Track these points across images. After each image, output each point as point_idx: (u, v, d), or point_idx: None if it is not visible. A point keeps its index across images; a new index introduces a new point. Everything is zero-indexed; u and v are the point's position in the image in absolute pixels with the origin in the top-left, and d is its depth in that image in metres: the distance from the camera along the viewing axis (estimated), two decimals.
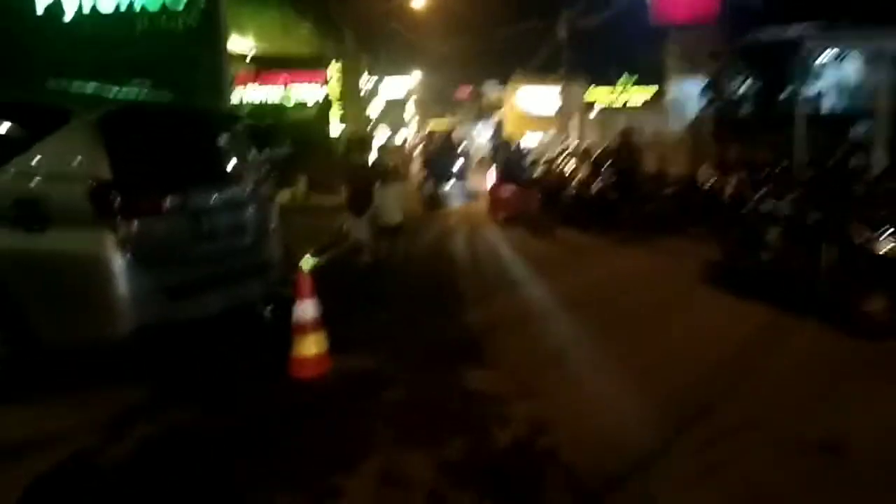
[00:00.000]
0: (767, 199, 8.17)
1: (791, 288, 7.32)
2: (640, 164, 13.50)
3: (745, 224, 8.20)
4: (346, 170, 10.02)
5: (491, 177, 15.91)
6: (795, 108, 15.05)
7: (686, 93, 19.22)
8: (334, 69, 26.08)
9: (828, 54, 14.62)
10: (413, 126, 59.66)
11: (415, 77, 45.78)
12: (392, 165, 26.29)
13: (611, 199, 12.66)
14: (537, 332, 6.77)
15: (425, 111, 59.65)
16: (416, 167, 25.77)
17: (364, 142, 12.92)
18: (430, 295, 8.32)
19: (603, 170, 13.34)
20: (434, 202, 17.16)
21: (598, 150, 14.90)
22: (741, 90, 15.60)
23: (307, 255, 6.06)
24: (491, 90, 43.92)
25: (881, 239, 6.45)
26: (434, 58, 42.81)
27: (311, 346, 5.36)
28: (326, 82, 24.90)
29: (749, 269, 7.91)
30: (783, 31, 13.76)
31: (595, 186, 12.87)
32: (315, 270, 5.86)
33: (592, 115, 28.33)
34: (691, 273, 8.98)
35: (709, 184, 12.75)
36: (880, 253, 6.43)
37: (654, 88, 25.96)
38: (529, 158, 16.57)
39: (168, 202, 5.11)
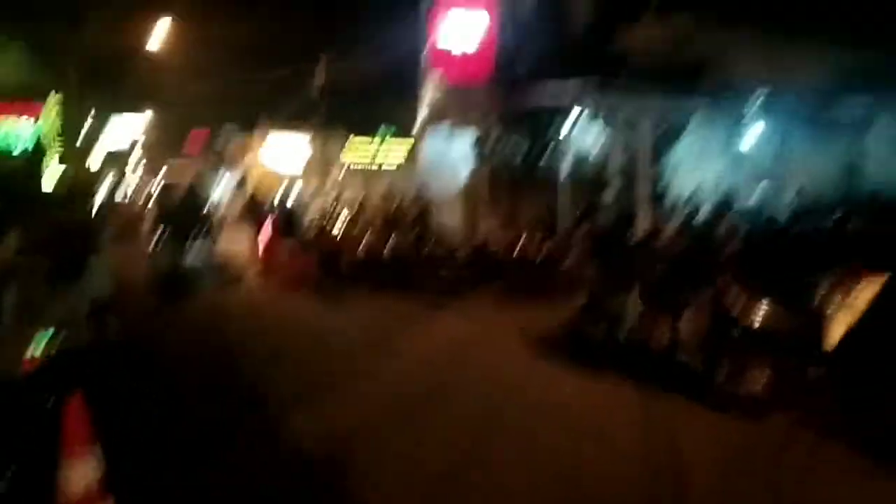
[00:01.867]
0: (613, 264, 7.54)
1: (645, 360, 6.72)
2: (430, 225, 12.63)
3: (593, 290, 7.47)
4: (52, 229, 7.58)
5: (262, 237, 13.89)
6: (559, 169, 15.48)
7: (441, 151, 19.05)
8: (53, 102, 22.02)
9: (589, 117, 15.24)
10: (139, 173, 53.93)
11: (145, 117, 41.08)
12: (119, 224, 21.72)
13: (406, 262, 11.52)
14: (404, 448, 5.24)
15: (154, 156, 54.30)
16: (147, 226, 21.58)
17: (77, 194, 10.33)
18: (231, 401, 6.37)
19: (394, 230, 12.21)
20: (175, 283, 11.77)
21: (389, 209, 13.78)
22: (511, 151, 15.62)
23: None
24: (233, 137, 40.88)
25: (758, 308, 6.01)
26: (169, 98, 38.92)
27: None
28: (43, 119, 20.89)
29: (597, 340, 7.18)
30: (549, 95, 13.96)
31: (389, 248, 11.64)
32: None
33: (343, 170, 27.43)
34: (527, 344, 8.10)
35: (497, 245, 12.25)
36: (757, 324, 5.97)
37: (411, 141, 25.73)
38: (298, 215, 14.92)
39: None
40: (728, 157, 16.30)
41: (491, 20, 15.13)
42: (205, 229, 13.42)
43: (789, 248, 7.53)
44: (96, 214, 9.70)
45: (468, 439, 5.40)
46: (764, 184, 16.07)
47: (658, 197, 14.25)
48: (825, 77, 15.65)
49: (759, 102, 14.95)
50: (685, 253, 7.20)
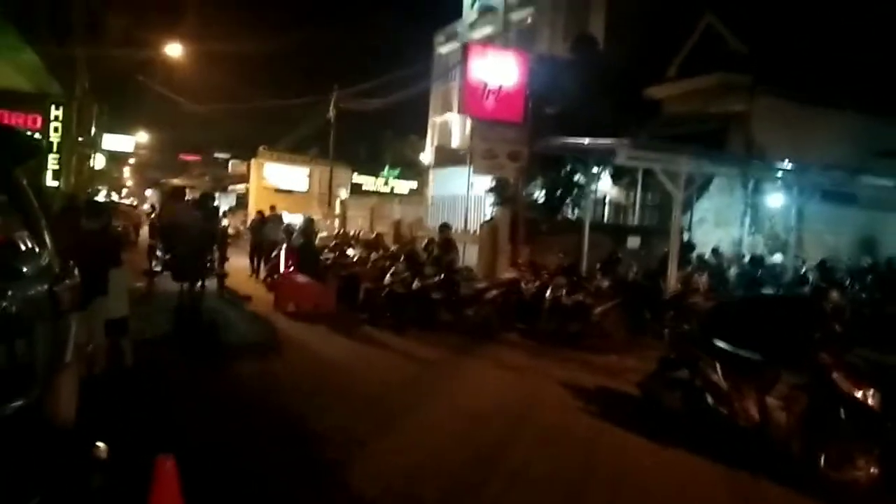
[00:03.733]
0: (691, 327, 6.75)
1: (728, 436, 5.90)
2: (456, 263, 11.81)
3: (670, 356, 6.65)
4: (73, 240, 6.48)
5: (279, 263, 12.90)
6: (584, 215, 14.85)
7: (451, 187, 18.38)
8: (56, 114, 20.92)
9: (616, 166, 14.69)
10: (129, 190, 52.63)
11: (139, 136, 40.01)
12: (122, 230, 19.85)
13: (433, 298, 10.66)
14: None
15: (145, 175, 53.06)
16: (147, 236, 18.34)
17: (98, 204, 9.26)
18: (273, 446, 5.41)
19: (416, 264, 11.35)
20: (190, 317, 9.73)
21: (407, 241, 12.94)
22: (537, 193, 14.98)
23: None
24: (229, 163, 39.97)
25: (868, 388, 5.24)
26: (164, 118, 38.01)
27: None
28: (44, 128, 19.79)
29: (671, 409, 6.34)
30: (584, 141, 13.38)
31: (416, 284, 10.76)
32: None
33: (345, 196, 26.66)
34: (584, 403, 7.23)
35: (528, 288, 11.47)
36: (870, 404, 5.20)
37: (413, 184, 25.25)
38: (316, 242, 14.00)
39: None
40: (749, 220, 15.83)
41: (523, 61, 14.67)
42: (217, 250, 12.10)
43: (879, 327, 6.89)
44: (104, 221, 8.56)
45: None
46: (779, 254, 15.60)
47: (686, 252, 13.60)
48: (844, 155, 15.37)
49: (779, 172, 14.54)
50: (774, 324, 6.43)
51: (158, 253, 11.89)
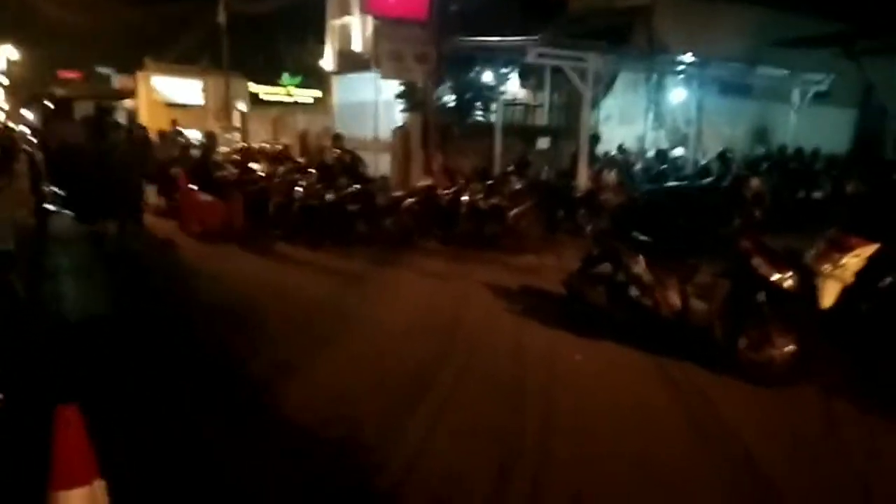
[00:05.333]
0: (604, 223, 6.66)
1: (652, 326, 5.95)
2: (364, 173, 11.30)
3: (593, 253, 6.55)
4: None
5: (177, 182, 11.89)
6: (496, 117, 14.52)
7: (357, 94, 17.54)
8: None
9: (535, 67, 14.30)
10: (5, 113, 47.70)
11: (8, 52, 35.99)
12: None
13: (349, 210, 10.20)
14: (425, 431, 4.16)
15: (20, 97, 48.11)
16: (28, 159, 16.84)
17: None
18: (204, 375, 5.03)
19: (327, 176, 10.78)
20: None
21: (315, 153, 12.25)
22: (447, 97, 14.42)
23: None
24: (112, 78, 36.60)
25: (786, 271, 5.31)
26: (36, 32, 34.22)
27: None
28: None
29: (595, 304, 6.31)
30: (494, 41, 12.88)
31: (329, 196, 10.22)
32: None
33: (245, 108, 25.09)
34: (509, 305, 7.15)
35: (444, 194, 11.16)
36: (787, 286, 5.29)
37: (316, 92, 23.94)
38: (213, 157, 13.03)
39: None
40: (653, 116, 15.96)
41: None
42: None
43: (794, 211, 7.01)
44: None
45: (505, 423, 4.39)
46: (680, 148, 15.84)
47: (592, 145, 13.58)
48: (741, 47, 15.52)
49: (682, 66, 14.58)
50: (693, 214, 6.42)
51: (45, 188, 10.14)
